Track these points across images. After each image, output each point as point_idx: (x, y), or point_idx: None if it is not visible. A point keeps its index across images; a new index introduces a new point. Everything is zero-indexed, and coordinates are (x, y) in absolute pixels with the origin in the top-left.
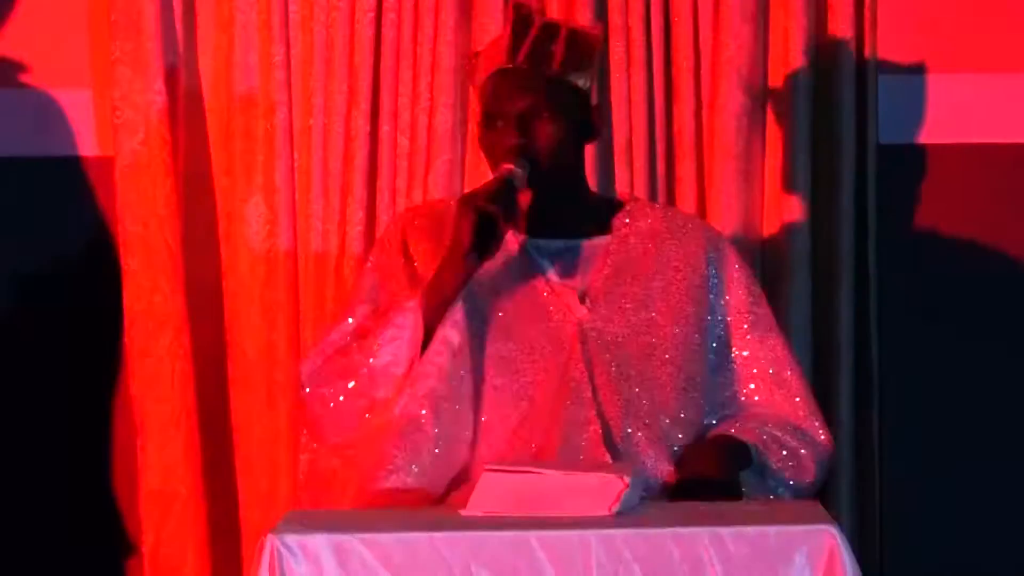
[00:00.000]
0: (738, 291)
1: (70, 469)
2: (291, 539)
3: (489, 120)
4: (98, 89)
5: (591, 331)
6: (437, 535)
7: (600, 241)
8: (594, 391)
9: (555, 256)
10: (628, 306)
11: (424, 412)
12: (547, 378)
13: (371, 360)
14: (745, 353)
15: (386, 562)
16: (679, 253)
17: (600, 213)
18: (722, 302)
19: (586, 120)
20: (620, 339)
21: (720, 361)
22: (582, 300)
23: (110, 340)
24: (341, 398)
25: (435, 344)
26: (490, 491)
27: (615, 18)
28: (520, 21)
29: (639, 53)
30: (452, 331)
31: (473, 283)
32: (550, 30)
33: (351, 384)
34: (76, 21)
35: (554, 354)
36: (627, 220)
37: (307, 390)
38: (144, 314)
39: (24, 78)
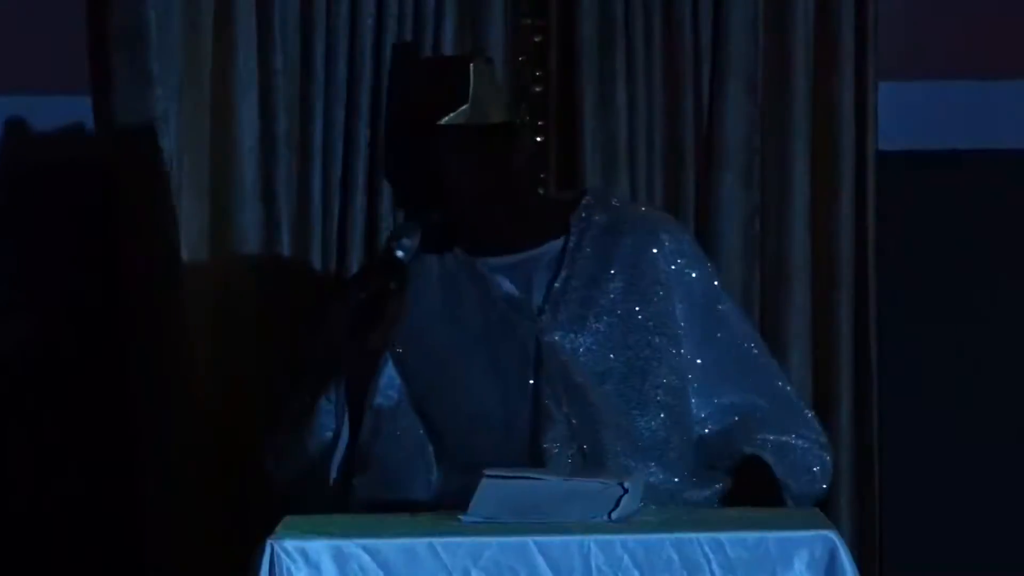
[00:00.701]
0: (702, 282)
1: (69, 471)
2: (291, 544)
3: None
4: (97, 95)
5: (551, 346)
6: (437, 540)
7: (555, 246)
8: (565, 410)
9: (509, 271)
10: (587, 313)
11: (373, 479)
12: (517, 400)
13: (310, 435)
14: (720, 345)
15: (386, 567)
16: (635, 250)
17: (554, 214)
18: (686, 296)
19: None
20: (582, 350)
21: (696, 355)
22: (540, 313)
23: (109, 346)
24: (291, 474)
25: (367, 415)
26: (490, 496)
27: (615, 24)
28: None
29: (639, 59)
30: (380, 398)
31: (431, 315)
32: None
33: (298, 459)
34: (76, 27)
35: (519, 376)
36: (583, 215)
37: (266, 466)
38: (143, 320)
39: (23, 84)
